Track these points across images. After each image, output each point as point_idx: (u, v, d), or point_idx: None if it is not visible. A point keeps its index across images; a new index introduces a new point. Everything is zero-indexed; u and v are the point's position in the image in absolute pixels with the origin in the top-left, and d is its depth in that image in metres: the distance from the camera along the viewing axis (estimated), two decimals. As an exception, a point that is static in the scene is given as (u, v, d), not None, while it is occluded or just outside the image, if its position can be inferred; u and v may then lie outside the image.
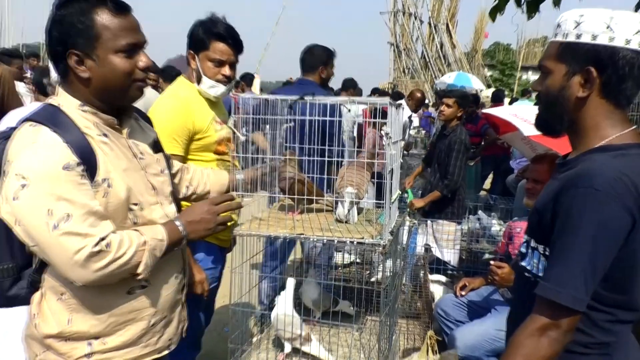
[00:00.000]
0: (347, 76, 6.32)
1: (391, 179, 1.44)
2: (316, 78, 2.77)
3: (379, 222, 1.55)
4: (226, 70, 1.88)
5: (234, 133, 1.42)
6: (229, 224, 1.30)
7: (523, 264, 1.01)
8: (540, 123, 1.03)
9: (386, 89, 14.25)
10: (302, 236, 1.39)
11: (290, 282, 1.73)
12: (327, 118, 1.67)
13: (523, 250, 1.02)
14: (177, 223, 1.19)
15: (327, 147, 1.49)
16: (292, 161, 1.61)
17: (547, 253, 0.95)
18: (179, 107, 1.79)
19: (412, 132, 7.32)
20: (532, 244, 1.00)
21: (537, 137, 3.07)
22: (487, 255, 3.32)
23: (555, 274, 0.89)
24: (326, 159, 1.48)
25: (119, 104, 1.15)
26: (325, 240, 1.38)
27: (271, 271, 2.62)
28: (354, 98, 1.40)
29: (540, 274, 0.97)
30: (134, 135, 1.20)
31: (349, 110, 4.56)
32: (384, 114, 1.35)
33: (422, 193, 3.58)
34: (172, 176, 1.38)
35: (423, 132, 7.62)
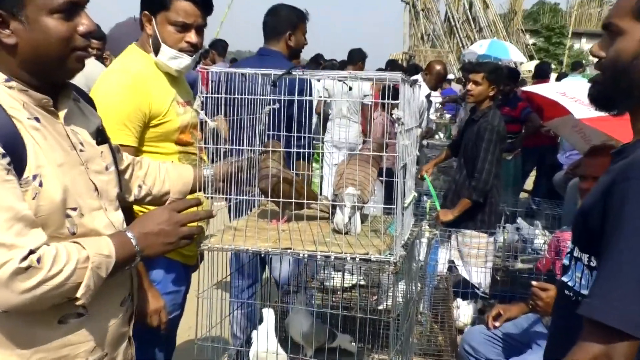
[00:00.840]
0: (354, 47, 6.30)
1: (404, 177, 1.45)
2: (282, 47, 2.70)
3: (388, 232, 1.56)
4: (192, 37, 1.88)
5: (201, 118, 1.42)
6: (195, 236, 1.31)
7: (564, 279, 1.00)
8: (598, 97, 1.00)
9: (400, 61, 14.24)
10: (289, 251, 1.40)
11: (268, 314, 1.74)
12: (327, 98, 1.68)
13: (566, 262, 1.01)
14: (129, 235, 1.20)
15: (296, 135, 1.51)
16: (276, 154, 1.62)
17: (592, 264, 0.94)
18: (130, 85, 1.80)
19: (433, 116, 7.34)
20: (576, 253, 0.99)
21: (594, 122, 3.06)
22: (527, 274, 3.35)
23: (604, 289, 0.86)
24: (304, 150, 1.49)
25: (53, 80, 1.14)
26: (319, 257, 1.39)
27: (243, 293, 2.65)
28: (356, 73, 1.41)
29: (584, 292, 0.95)
30: (73, 120, 1.19)
31: (350, 89, 4.57)
32: (396, 94, 1.36)
33: (446, 196, 3.61)
34: (121, 173, 1.38)
35: (447, 115, 7.65)
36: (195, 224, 1.34)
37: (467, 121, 3.72)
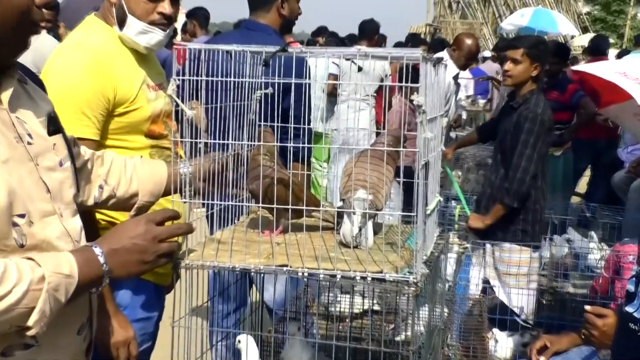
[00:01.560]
0: (365, 18, 6.29)
1: (426, 178, 1.46)
2: (272, 19, 2.70)
3: (407, 246, 1.57)
4: (165, 7, 1.90)
5: (176, 105, 1.43)
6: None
7: (629, 309, 1.00)
8: None
9: (423, 35, 14.22)
10: (285, 269, 1.41)
11: (247, 340, 1.76)
12: (336, 82, 1.70)
13: (631, 287, 1.01)
14: (96, 251, 1.21)
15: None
16: (269, 149, 1.63)
17: None
18: (89, 64, 1.81)
19: (464, 101, 7.35)
20: None
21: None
22: (580, 297, 3.36)
23: None
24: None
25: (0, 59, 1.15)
26: (322, 276, 1.40)
27: (228, 320, 2.66)
28: (366, 50, 1.42)
29: None
30: (19, 105, 1.20)
31: (359, 69, 4.59)
32: (416, 75, 1.37)
33: (479, 201, 3.62)
34: (78, 171, 1.39)
35: (481, 101, 7.66)
36: (177, 238, 1.35)
37: (503, 108, 3.72)
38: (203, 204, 1.66)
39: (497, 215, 3.36)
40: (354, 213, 1.51)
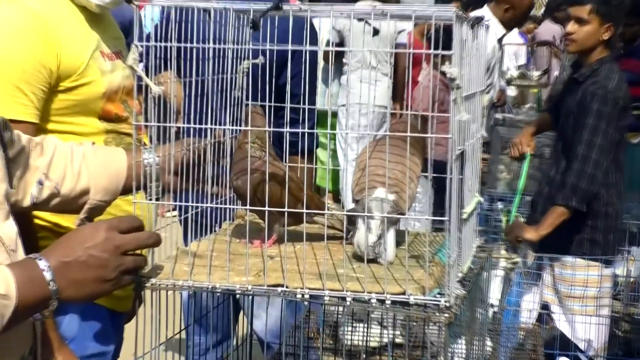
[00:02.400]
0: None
1: (461, 173, 1.46)
2: None
3: (437, 260, 1.57)
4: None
5: (139, 79, 1.43)
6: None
7: None
8: None
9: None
10: (279, 289, 1.42)
11: None
12: (335, 49, 1.70)
13: None
14: (42, 265, 1.22)
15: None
16: (260, 135, 1.63)
17: None
18: (27, 26, 1.82)
19: (513, 71, 7.30)
20: None
21: None
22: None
23: None
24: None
25: None
26: (327, 298, 1.41)
27: (207, 357, 2.66)
28: (384, 7, 1.42)
29: None
30: None
31: (376, 33, 4.57)
32: (449, 39, 1.38)
33: (535, 203, 3.60)
34: (11, 163, 1.40)
35: (535, 73, 7.62)
36: (143, 252, 1.36)
37: (566, 83, 3.71)
38: (174, 206, 1.67)
39: (557, 222, 3.30)
40: (373, 218, 1.52)
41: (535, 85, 7.40)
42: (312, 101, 2.16)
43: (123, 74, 1.97)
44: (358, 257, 1.57)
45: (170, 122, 1.49)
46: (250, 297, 1.83)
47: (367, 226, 1.53)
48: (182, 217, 1.69)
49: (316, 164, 2.35)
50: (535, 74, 7.51)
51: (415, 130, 1.70)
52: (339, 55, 5.03)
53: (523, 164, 3.90)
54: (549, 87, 7.01)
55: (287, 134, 1.57)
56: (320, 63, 4.18)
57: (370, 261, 1.53)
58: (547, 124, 3.88)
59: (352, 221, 1.69)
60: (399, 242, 1.64)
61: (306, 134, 2.05)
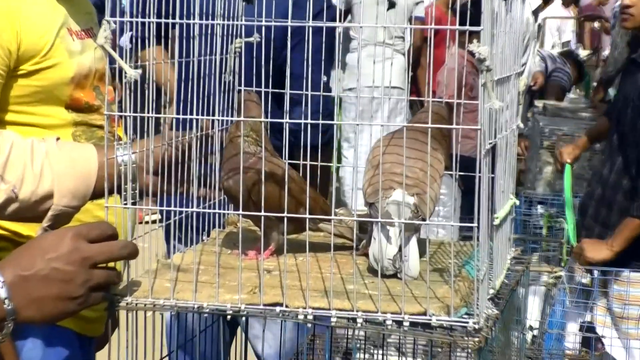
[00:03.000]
0: None
1: (492, 171, 1.46)
2: None
3: (465, 274, 1.57)
4: None
5: (113, 60, 1.43)
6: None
7: None
8: None
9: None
10: (278, 309, 1.42)
11: None
12: (343, 25, 1.70)
13: None
14: None
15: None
16: (255, 127, 1.64)
17: None
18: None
19: (557, 49, 7.24)
20: None
21: None
22: None
23: None
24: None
25: None
26: (334, 320, 1.41)
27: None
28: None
29: None
30: None
31: (391, 6, 4.55)
32: (477, 13, 1.37)
33: (585, 207, 3.57)
34: None
35: (582, 52, 7.57)
36: (116, 265, 1.37)
37: (623, 65, 3.69)
38: (154, 211, 1.67)
39: (632, 236, 3.25)
40: (393, 225, 1.52)
41: (583, 60, 7.38)
42: (319, 85, 2.13)
43: (95, 55, 1.97)
44: (372, 271, 1.57)
45: (149, 112, 1.49)
46: (245, 318, 1.83)
47: (384, 235, 1.53)
48: (164, 224, 1.69)
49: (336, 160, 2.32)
50: (583, 53, 7.48)
51: (441, 120, 1.69)
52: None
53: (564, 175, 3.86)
54: (598, 69, 6.99)
55: (286, 113, 1.55)
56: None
57: (385, 275, 1.53)
58: (605, 128, 3.79)
59: (363, 229, 1.69)
60: (419, 253, 1.64)
61: (319, 126, 2.04)
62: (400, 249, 1.53)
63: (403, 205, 1.54)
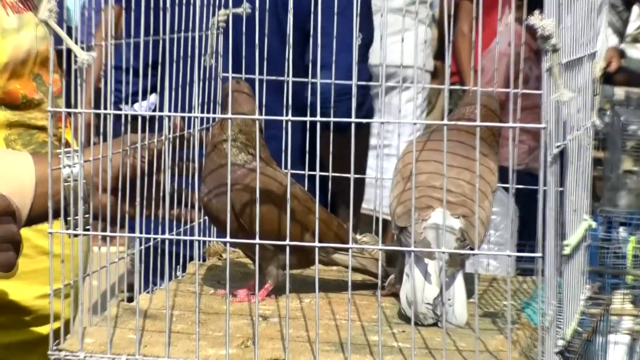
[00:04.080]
0: None
1: (561, 183, 1.47)
2: None
3: (524, 319, 1.58)
4: None
5: (58, 40, 1.44)
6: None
7: None
8: None
9: None
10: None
11: None
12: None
13: None
14: None
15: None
16: (246, 128, 1.66)
17: None
18: None
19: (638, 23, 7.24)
20: None
21: None
22: None
23: None
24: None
25: None
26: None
27: None
28: None
29: None
30: None
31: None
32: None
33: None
34: None
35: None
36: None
37: None
38: (110, 238, 1.68)
39: None
40: (434, 257, 1.53)
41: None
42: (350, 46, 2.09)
43: (36, 33, 1.98)
44: (404, 317, 1.58)
45: (107, 108, 1.50)
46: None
47: (421, 271, 1.54)
48: (127, 255, 1.70)
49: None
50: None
51: (492, 116, 1.70)
52: None
53: None
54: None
55: (287, 105, 1.54)
56: None
57: (420, 324, 1.54)
58: None
59: (391, 260, 1.70)
60: (470, 295, 1.64)
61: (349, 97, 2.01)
62: (442, 290, 1.54)
63: (445, 231, 1.55)
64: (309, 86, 1.61)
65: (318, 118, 1.51)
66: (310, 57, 1.52)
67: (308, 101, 1.58)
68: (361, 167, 2.94)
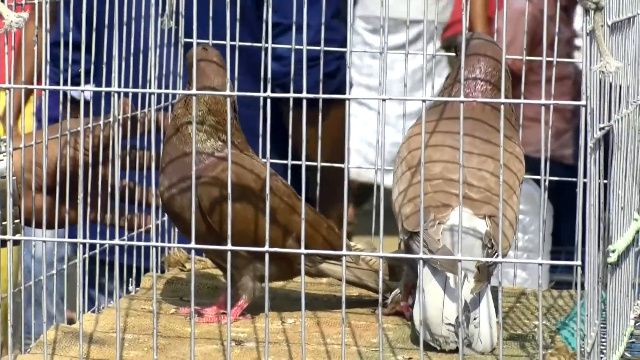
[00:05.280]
0: None
1: (605, 175, 1.47)
2: None
3: (560, 341, 1.58)
4: None
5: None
6: None
7: None
8: None
9: None
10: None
11: None
12: None
13: None
14: None
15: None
16: (216, 107, 1.67)
17: None
18: None
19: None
20: None
21: None
22: None
23: None
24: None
25: None
26: None
27: None
28: None
29: None
30: None
31: None
32: None
33: None
34: None
35: None
36: None
37: None
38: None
39: None
40: (450, 268, 1.53)
41: None
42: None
43: None
44: (415, 341, 1.59)
45: (43, 83, 1.49)
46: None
47: (440, 285, 1.55)
48: (66, 266, 1.70)
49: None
50: None
51: (512, 91, 1.69)
52: None
53: None
54: None
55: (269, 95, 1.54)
56: None
57: (430, 346, 1.54)
58: None
59: (394, 271, 1.69)
60: (498, 311, 1.65)
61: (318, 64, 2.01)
62: (467, 308, 1.54)
63: (469, 235, 1.55)
64: (266, 52, 1.60)
65: (304, 94, 1.50)
66: (264, 15, 1.50)
67: (268, 70, 1.56)
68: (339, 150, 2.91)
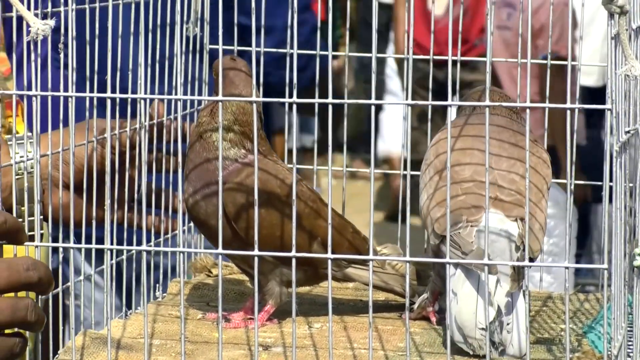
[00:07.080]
0: None
1: (633, 177, 1.46)
2: None
3: (587, 346, 1.57)
4: None
5: (5, 5, 1.45)
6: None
7: None
8: None
9: None
10: None
11: None
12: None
13: None
14: None
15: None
16: (242, 117, 1.66)
17: None
18: None
19: None
20: None
21: None
22: None
23: None
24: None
25: None
26: None
27: None
28: None
29: None
30: None
31: None
32: None
33: None
34: None
35: None
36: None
37: None
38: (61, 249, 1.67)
39: None
40: (495, 271, 1.52)
41: None
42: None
43: None
44: (441, 344, 1.59)
45: (69, 90, 1.50)
46: None
47: (474, 288, 1.55)
48: (94, 272, 1.70)
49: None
50: None
51: (538, 95, 1.69)
52: None
53: None
54: None
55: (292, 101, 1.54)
56: None
57: (457, 350, 1.54)
58: None
59: (420, 275, 1.69)
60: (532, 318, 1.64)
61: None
62: (500, 313, 1.54)
63: (503, 238, 1.54)
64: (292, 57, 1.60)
65: (330, 100, 1.50)
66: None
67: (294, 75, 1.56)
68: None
